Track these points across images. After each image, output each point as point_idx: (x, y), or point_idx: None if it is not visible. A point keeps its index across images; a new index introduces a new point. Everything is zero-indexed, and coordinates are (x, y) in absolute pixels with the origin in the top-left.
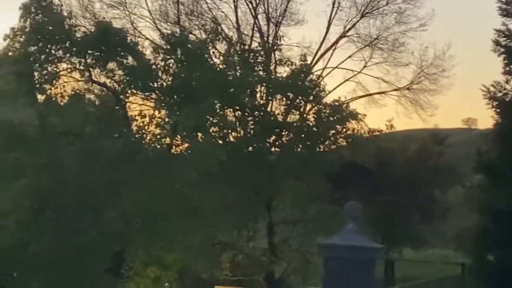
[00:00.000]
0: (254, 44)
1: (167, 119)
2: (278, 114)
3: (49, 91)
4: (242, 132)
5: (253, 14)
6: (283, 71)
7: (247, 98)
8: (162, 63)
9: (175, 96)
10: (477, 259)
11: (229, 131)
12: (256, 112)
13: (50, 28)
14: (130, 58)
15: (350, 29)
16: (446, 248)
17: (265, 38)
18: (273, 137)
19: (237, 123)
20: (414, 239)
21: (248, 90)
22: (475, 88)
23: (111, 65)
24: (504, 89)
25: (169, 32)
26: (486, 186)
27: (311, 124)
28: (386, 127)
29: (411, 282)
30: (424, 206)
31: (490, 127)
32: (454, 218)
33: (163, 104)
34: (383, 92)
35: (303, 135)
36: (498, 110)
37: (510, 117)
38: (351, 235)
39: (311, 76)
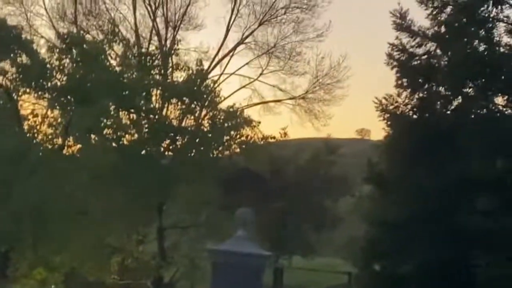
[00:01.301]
0: (152, 47)
1: (60, 119)
2: (173, 118)
3: None
4: (136, 135)
5: (152, 17)
6: (179, 76)
7: (142, 101)
8: (57, 62)
9: (69, 96)
10: (364, 268)
11: (123, 133)
12: (151, 116)
13: None
14: (24, 56)
15: (248, 36)
16: (335, 257)
17: (163, 42)
18: (167, 141)
19: (132, 126)
20: (303, 247)
21: (144, 93)
22: (370, 100)
23: (4, 62)
24: (396, 102)
25: (66, 31)
26: (376, 196)
27: (205, 129)
28: (280, 135)
29: None
30: (315, 215)
31: (382, 138)
32: (344, 227)
33: (56, 104)
34: (278, 100)
35: (197, 140)
36: (389, 123)
37: (400, 130)
38: (240, 242)
39: (207, 81)
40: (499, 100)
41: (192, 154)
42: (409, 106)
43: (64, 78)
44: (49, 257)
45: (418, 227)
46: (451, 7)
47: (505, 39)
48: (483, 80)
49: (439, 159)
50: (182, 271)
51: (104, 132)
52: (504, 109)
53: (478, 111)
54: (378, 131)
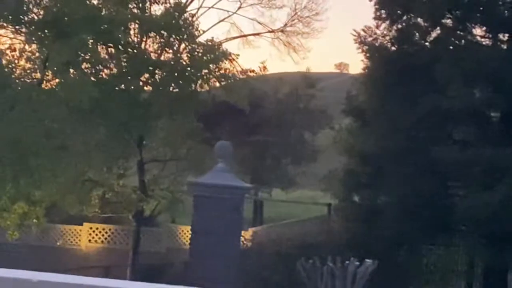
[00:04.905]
0: None
1: (37, 54)
2: (152, 52)
3: None
4: (114, 69)
5: None
6: (157, 9)
7: (120, 35)
8: None
9: (46, 31)
10: (343, 199)
11: (102, 68)
12: (130, 50)
13: None
14: None
15: None
16: (315, 189)
17: None
18: (146, 75)
19: (110, 60)
20: (283, 180)
21: (122, 27)
22: (348, 34)
23: None
24: (374, 33)
25: None
26: (354, 129)
27: (184, 63)
28: (260, 68)
29: (279, 221)
30: (294, 148)
31: (361, 72)
32: (323, 160)
33: (34, 39)
34: (257, 34)
35: (176, 74)
36: (367, 55)
37: (379, 62)
38: (221, 174)
39: (185, 15)
40: (477, 31)
41: (171, 89)
42: (387, 38)
43: (41, 12)
44: (30, 191)
45: (396, 158)
46: None
47: None
48: (462, 11)
49: (417, 90)
50: (163, 204)
51: (83, 66)
52: (482, 40)
53: (456, 42)
54: (357, 65)
